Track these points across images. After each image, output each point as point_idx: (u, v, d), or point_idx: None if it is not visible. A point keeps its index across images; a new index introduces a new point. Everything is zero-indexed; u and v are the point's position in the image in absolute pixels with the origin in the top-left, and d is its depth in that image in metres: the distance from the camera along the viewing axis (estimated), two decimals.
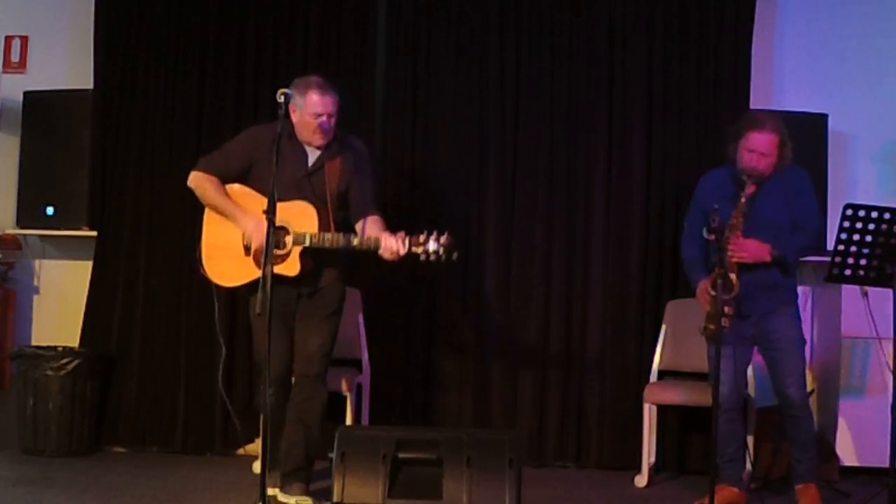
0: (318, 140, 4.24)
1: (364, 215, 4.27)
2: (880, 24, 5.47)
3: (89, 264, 5.49)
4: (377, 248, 4.10)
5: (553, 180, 5.33)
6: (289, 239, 4.15)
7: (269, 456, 4.23)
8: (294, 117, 4.23)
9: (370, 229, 4.20)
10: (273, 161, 3.78)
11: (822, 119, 5.21)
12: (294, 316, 4.33)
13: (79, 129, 5.46)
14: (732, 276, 4.15)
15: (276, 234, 3.99)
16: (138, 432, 5.33)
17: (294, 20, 5.43)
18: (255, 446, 5.14)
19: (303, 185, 4.23)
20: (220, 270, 4.25)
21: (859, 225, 4.02)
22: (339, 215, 4.27)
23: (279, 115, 3.83)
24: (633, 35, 5.32)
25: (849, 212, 4.02)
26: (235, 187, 4.27)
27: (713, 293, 4.13)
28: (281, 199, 4.06)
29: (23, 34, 5.77)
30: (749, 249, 4.18)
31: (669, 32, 5.31)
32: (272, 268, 3.63)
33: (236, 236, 4.22)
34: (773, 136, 4.25)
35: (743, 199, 4.19)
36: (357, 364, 5.09)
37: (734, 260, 4.16)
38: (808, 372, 4.48)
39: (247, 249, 4.21)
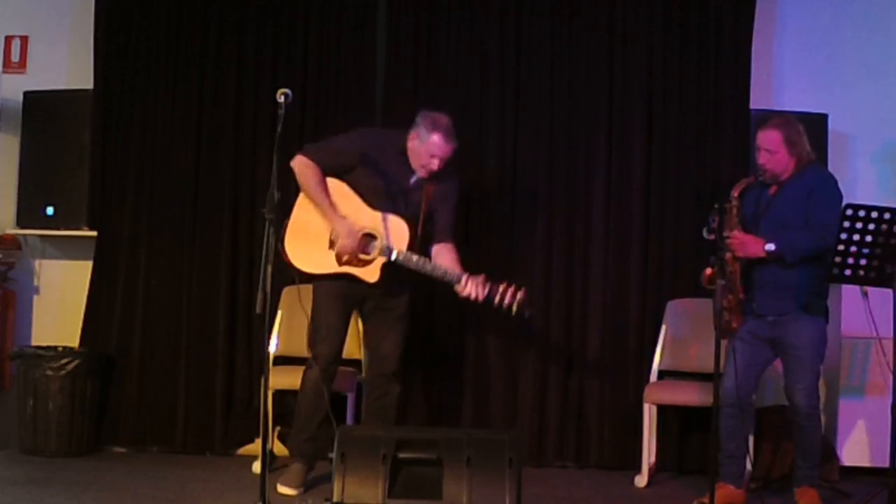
0: (422, 173, 4.45)
1: (440, 241, 4.50)
2: (880, 24, 5.47)
3: (89, 264, 5.49)
4: (457, 282, 4.33)
5: (553, 180, 5.34)
6: (376, 245, 4.33)
7: (294, 439, 4.54)
8: (412, 142, 4.45)
9: (443, 257, 4.45)
10: (377, 167, 4.26)
11: (822, 119, 5.20)
12: (352, 311, 4.55)
13: (79, 129, 5.46)
14: (730, 270, 4.15)
15: (363, 238, 4.33)
16: (138, 432, 5.33)
17: (294, 20, 5.43)
18: (255, 446, 5.15)
19: (398, 199, 4.42)
20: (300, 253, 4.39)
21: (859, 225, 4.01)
22: (421, 236, 4.46)
23: (279, 115, 3.83)
24: (633, 35, 5.32)
25: (849, 212, 4.02)
26: (335, 182, 4.38)
27: (709, 286, 4.15)
28: (378, 208, 4.39)
29: (23, 34, 5.77)
30: (742, 242, 4.18)
31: (669, 32, 5.31)
32: (271, 266, 3.65)
33: (324, 228, 4.36)
34: (775, 132, 4.27)
35: (735, 194, 4.20)
36: (357, 364, 5.09)
37: (729, 254, 4.17)
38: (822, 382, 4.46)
39: (331, 243, 4.36)
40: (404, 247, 4.35)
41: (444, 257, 4.45)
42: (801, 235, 4.23)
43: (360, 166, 4.40)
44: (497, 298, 4.31)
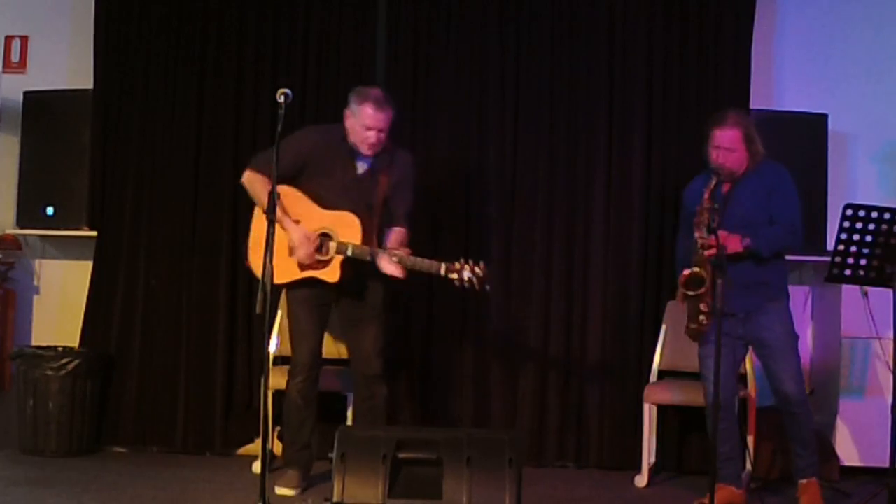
0: (365, 150, 4.37)
1: (391, 225, 4.42)
2: (880, 24, 5.47)
3: (89, 264, 5.49)
4: (374, 260, 4.25)
5: (553, 180, 5.33)
6: (332, 245, 4.28)
7: (289, 449, 4.52)
8: (347, 122, 4.37)
9: (391, 240, 4.35)
10: (324, 162, 4.11)
11: (822, 119, 5.21)
12: (328, 312, 4.50)
13: (79, 129, 5.46)
14: (700, 271, 4.13)
15: (320, 239, 4.26)
16: (138, 432, 5.32)
17: (294, 20, 5.43)
18: (255, 446, 5.15)
19: (350, 190, 4.35)
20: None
21: (859, 225, 4.02)
22: (384, 223, 4.40)
23: (279, 115, 3.83)
24: (633, 35, 5.32)
25: (849, 212, 4.02)
26: (285, 188, 4.29)
27: (683, 291, 4.15)
28: (329, 206, 4.32)
29: (23, 34, 5.77)
30: (725, 240, 4.14)
31: (669, 32, 5.31)
32: (271, 264, 3.65)
33: (281, 235, 4.26)
34: (734, 131, 4.26)
35: (706, 195, 4.15)
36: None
37: (705, 254, 4.11)
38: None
39: (291, 250, 4.33)
40: (358, 240, 4.28)
41: (391, 241, 4.36)
42: (773, 231, 4.23)
43: (308, 167, 4.36)
44: (456, 276, 4.18)
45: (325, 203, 4.35)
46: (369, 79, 5.41)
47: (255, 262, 4.27)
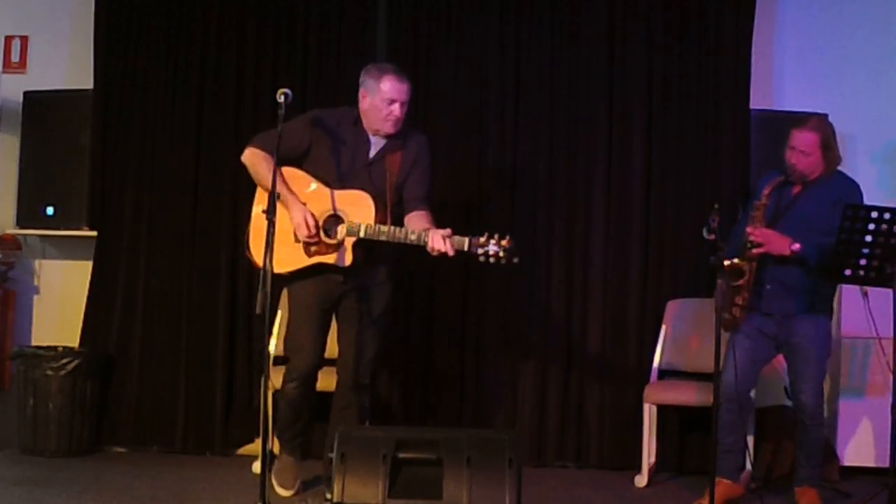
0: (389, 128, 4.18)
1: (412, 209, 4.23)
2: (880, 24, 5.47)
3: (89, 264, 5.49)
4: (425, 243, 4.03)
5: (553, 180, 5.33)
6: (341, 228, 4.08)
7: (281, 437, 4.42)
8: (363, 104, 4.20)
9: (415, 223, 4.14)
10: (333, 146, 3.87)
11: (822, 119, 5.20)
12: (334, 313, 4.32)
13: (79, 129, 5.46)
14: (742, 263, 4.15)
15: (328, 221, 4.06)
16: (138, 432, 5.33)
17: (294, 20, 5.43)
18: (255, 446, 5.15)
19: (362, 175, 4.17)
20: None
21: (859, 225, 4.02)
22: (396, 209, 4.21)
23: (279, 115, 3.83)
24: (633, 35, 5.32)
25: (849, 212, 4.02)
26: (289, 170, 4.15)
27: (720, 282, 4.15)
28: (339, 187, 4.11)
29: (23, 34, 5.77)
30: (769, 239, 4.17)
31: (669, 32, 5.31)
32: (271, 264, 3.61)
33: (286, 220, 4.07)
34: (813, 135, 4.26)
35: (766, 191, 4.20)
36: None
37: (751, 247, 4.15)
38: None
39: (296, 236, 4.13)
40: (371, 221, 4.05)
41: (415, 224, 4.14)
42: (827, 243, 4.18)
43: (314, 148, 4.17)
44: (482, 251, 4.00)
45: (333, 186, 4.14)
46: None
47: (256, 250, 4.07)
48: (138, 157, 5.46)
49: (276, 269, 4.02)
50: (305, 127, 4.21)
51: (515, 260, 4.03)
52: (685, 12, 5.32)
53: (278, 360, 4.95)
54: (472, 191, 5.36)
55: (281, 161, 4.05)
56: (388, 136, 4.23)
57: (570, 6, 5.36)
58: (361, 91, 4.22)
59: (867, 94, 5.42)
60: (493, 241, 4.00)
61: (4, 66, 5.76)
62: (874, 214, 4.00)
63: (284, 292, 4.45)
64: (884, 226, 4.00)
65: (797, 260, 4.19)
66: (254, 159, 4.18)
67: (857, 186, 4.34)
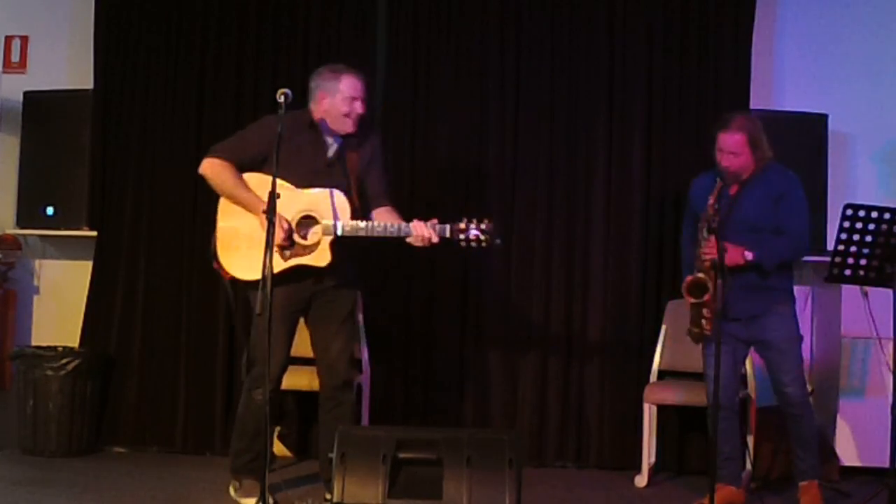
0: (349, 126, 4.16)
1: (378, 205, 4.22)
2: (880, 24, 5.47)
3: (89, 264, 5.50)
4: (407, 234, 4.01)
5: (553, 180, 5.33)
6: (317, 228, 4.04)
7: (241, 458, 4.26)
8: (322, 105, 4.17)
9: (385, 218, 4.14)
10: (290, 150, 3.80)
11: (822, 119, 5.21)
12: (299, 319, 4.27)
13: (79, 129, 5.46)
14: (704, 277, 4.12)
15: (301, 223, 4.01)
16: (138, 432, 5.33)
17: (294, 20, 5.43)
18: None
19: (322, 175, 4.13)
20: (238, 263, 4.08)
21: (859, 225, 4.02)
22: (359, 205, 4.17)
23: (279, 114, 3.83)
24: (633, 35, 5.32)
25: (849, 212, 4.02)
26: (252, 175, 4.12)
27: (687, 297, 4.15)
28: (306, 188, 4.07)
29: (23, 34, 5.77)
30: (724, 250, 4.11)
31: (669, 32, 5.31)
32: (271, 265, 3.61)
33: (254, 226, 4.02)
34: (739, 135, 4.20)
35: (711, 201, 4.09)
36: (357, 364, 5.08)
37: (705, 260, 4.11)
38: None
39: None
40: (348, 217, 4.01)
41: (385, 219, 4.12)
42: (779, 243, 4.20)
43: (272, 153, 3.94)
44: (463, 236, 3.98)
45: (298, 187, 4.08)
46: (369, 79, 5.39)
47: (227, 261, 4.06)
48: (138, 157, 5.46)
49: (247, 277, 4.03)
50: (265, 131, 4.13)
51: (498, 241, 4.04)
52: (685, 12, 5.32)
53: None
54: (471, 190, 5.36)
55: (242, 168, 4.08)
56: (344, 136, 4.20)
57: (570, 7, 5.36)
58: (319, 93, 4.17)
59: (867, 94, 5.42)
60: (472, 225, 4.00)
61: (4, 66, 5.77)
62: (874, 214, 4.00)
63: (253, 296, 4.05)
64: (884, 226, 4.00)
65: (752, 266, 4.17)
66: (215, 169, 4.13)
67: (796, 178, 4.28)
